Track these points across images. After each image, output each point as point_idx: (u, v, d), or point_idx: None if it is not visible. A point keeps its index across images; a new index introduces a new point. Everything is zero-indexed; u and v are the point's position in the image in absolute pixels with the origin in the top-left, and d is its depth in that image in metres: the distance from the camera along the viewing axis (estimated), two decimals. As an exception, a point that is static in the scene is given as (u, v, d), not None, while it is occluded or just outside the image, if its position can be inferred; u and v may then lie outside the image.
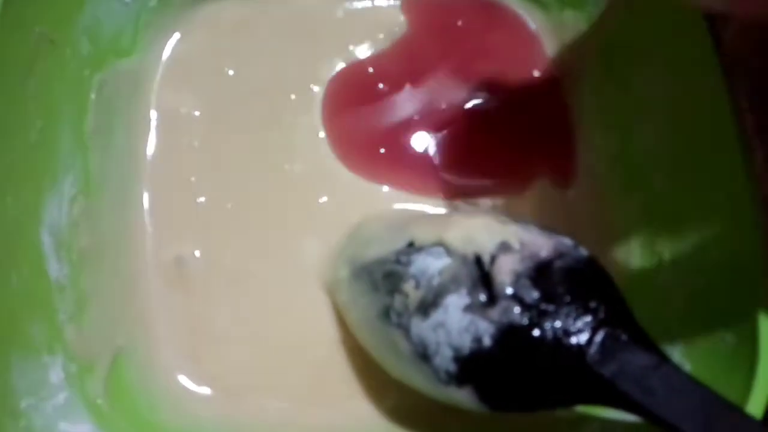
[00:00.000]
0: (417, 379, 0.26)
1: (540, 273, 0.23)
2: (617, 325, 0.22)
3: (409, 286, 0.26)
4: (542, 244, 0.24)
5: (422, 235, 0.27)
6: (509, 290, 0.23)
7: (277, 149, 0.33)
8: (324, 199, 0.33)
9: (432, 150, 0.33)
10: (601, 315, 0.22)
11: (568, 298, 0.23)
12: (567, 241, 0.25)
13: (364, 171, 0.33)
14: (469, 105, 0.34)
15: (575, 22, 0.33)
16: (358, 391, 0.30)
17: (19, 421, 0.22)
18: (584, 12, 0.33)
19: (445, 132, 0.34)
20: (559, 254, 0.24)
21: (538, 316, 0.23)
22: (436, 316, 0.24)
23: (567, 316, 0.22)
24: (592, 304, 0.23)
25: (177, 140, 0.33)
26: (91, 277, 0.28)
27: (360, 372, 0.30)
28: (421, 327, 0.25)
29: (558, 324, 0.22)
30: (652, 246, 0.29)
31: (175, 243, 0.31)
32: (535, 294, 0.23)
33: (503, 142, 0.34)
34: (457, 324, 0.24)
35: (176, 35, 0.33)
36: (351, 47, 0.34)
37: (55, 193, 0.26)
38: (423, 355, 0.24)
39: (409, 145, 0.33)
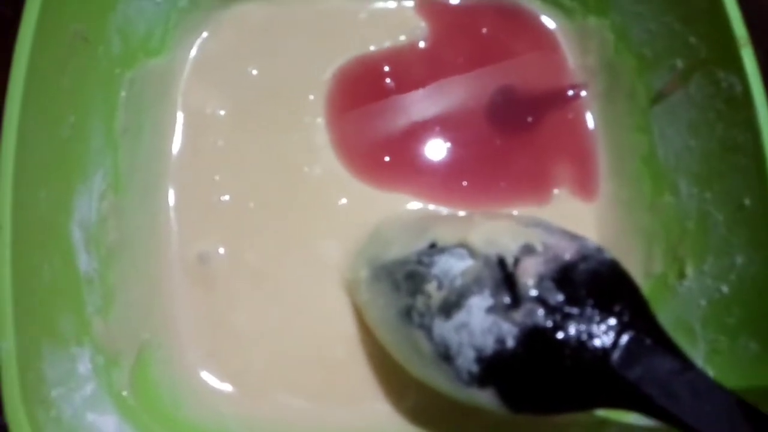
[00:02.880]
0: (438, 379, 0.26)
1: (564, 276, 0.23)
2: (641, 329, 0.22)
3: (431, 287, 0.26)
4: (566, 247, 0.24)
5: (444, 236, 0.27)
6: (533, 292, 0.23)
7: (297, 150, 0.33)
8: (343, 201, 0.33)
9: (444, 159, 0.34)
10: (626, 318, 0.22)
11: (592, 302, 0.23)
12: (591, 245, 0.25)
13: (368, 178, 0.33)
14: (486, 111, 0.34)
15: (599, 29, 0.33)
16: (377, 391, 0.30)
17: (49, 410, 0.23)
18: (608, 19, 0.33)
19: (459, 139, 0.34)
20: (583, 257, 0.24)
21: (562, 319, 0.23)
22: (459, 317, 0.24)
23: (591, 319, 0.22)
24: (617, 308, 0.23)
25: (202, 139, 0.33)
26: (118, 271, 0.28)
27: (379, 372, 0.31)
28: (443, 327, 0.25)
29: (582, 327, 0.22)
30: (674, 252, 0.29)
31: (199, 240, 0.32)
32: (559, 296, 0.23)
33: (522, 150, 0.34)
34: (480, 325, 0.24)
35: (204, 35, 0.34)
36: (373, 48, 0.35)
37: (85, 188, 0.27)
38: (445, 355, 0.25)
39: (419, 153, 0.34)
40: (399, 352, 0.28)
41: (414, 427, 0.30)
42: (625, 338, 0.22)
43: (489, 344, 0.23)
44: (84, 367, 0.25)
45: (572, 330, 0.22)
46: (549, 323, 0.23)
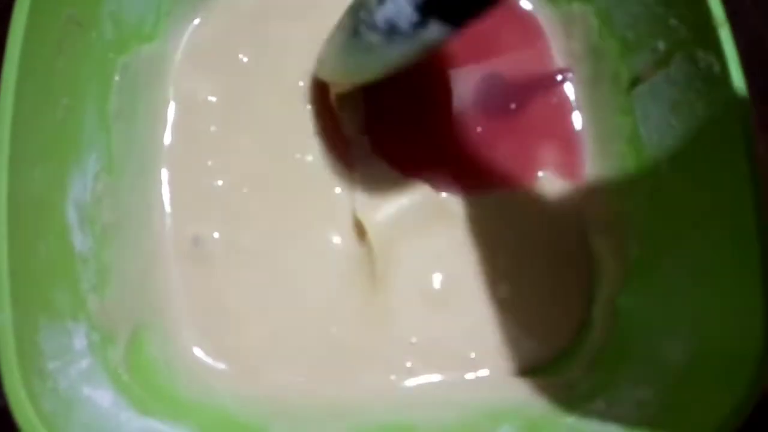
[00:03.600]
0: (392, 56, 0.28)
1: None
2: None
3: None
4: None
5: None
6: None
7: (289, 137, 0.34)
8: (337, 189, 0.33)
9: (429, 145, 0.34)
10: None
11: None
12: None
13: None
14: (471, 99, 0.35)
15: (583, 15, 0.34)
16: (371, 368, 0.31)
17: (46, 381, 0.23)
18: (592, 4, 0.33)
19: (444, 126, 0.34)
20: None
21: None
22: None
23: None
24: None
25: (195, 125, 0.34)
26: (113, 251, 0.28)
27: (373, 350, 0.31)
28: (382, 11, 0.27)
29: None
30: (655, 231, 0.29)
31: (193, 223, 0.32)
32: None
33: (507, 135, 0.35)
34: None
35: (196, 21, 0.34)
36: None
37: (79, 169, 0.27)
38: (390, 30, 0.26)
39: (403, 139, 0.34)
40: (357, 67, 0.30)
41: (409, 404, 0.30)
42: None
43: None
44: (80, 342, 0.25)
45: None
46: None
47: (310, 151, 0.34)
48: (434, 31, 0.26)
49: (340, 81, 0.33)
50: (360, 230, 0.33)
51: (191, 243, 0.32)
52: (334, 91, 0.34)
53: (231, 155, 0.33)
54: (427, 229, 0.33)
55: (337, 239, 0.33)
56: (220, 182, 0.33)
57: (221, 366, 0.30)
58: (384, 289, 0.32)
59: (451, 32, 0.26)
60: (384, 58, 0.28)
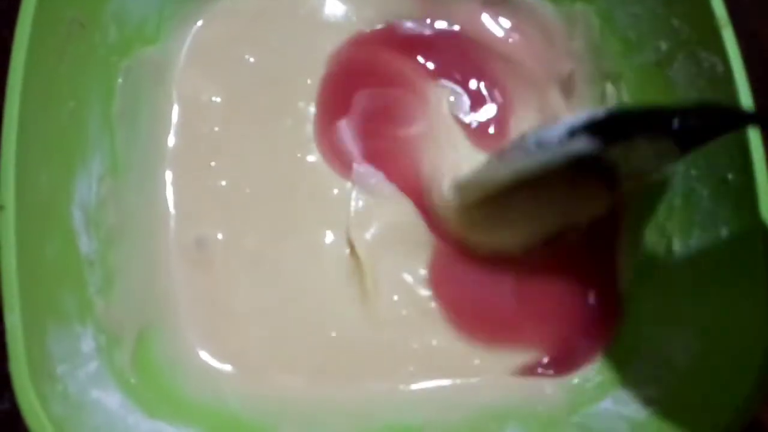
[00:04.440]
0: (535, 163, 0.28)
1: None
2: None
3: None
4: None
5: None
6: None
7: (292, 138, 0.34)
8: (335, 190, 0.33)
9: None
10: None
11: None
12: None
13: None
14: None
15: (585, 14, 0.34)
16: (374, 370, 0.31)
17: (56, 385, 0.23)
18: (593, 4, 0.34)
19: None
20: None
21: None
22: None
23: None
24: None
25: (198, 126, 0.34)
26: (119, 253, 0.28)
27: (376, 352, 0.31)
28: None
29: None
30: (662, 228, 0.30)
31: (197, 225, 0.32)
32: None
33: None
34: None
35: (199, 23, 0.34)
36: (368, 32, 0.35)
37: (84, 172, 0.27)
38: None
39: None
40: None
41: (415, 405, 0.30)
42: None
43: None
44: (87, 345, 0.25)
45: None
46: None
47: (313, 153, 0.34)
48: (580, 141, 0.26)
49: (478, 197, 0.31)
50: (351, 247, 0.32)
51: (194, 245, 0.32)
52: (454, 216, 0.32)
53: (234, 156, 0.34)
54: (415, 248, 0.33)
55: (340, 240, 0.33)
56: (223, 182, 0.33)
57: (227, 368, 0.30)
58: (375, 304, 0.32)
59: (594, 145, 0.26)
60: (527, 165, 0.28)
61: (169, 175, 0.33)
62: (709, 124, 0.25)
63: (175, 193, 0.33)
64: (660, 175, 0.29)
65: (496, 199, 0.30)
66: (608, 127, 0.26)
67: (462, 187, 0.31)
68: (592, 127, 0.26)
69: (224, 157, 0.33)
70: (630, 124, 0.26)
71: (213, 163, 0.33)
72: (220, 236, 0.32)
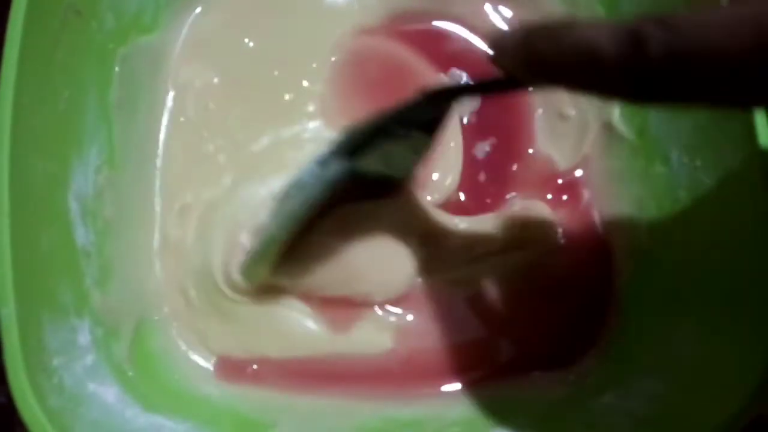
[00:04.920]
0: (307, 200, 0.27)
1: None
2: None
3: None
4: None
5: None
6: None
7: (291, 117, 0.33)
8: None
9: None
10: None
11: None
12: None
13: None
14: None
15: (589, 3, 0.34)
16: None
17: (51, 378, 0.23)
18: (599, -7, 0.33)
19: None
20: None
21: None
22: None
23: None
24: None
25: (195, 114, 0.33)
26: (115, 246, 0.28)
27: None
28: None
29: None
30: (665, 222, 0.29)
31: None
32: None
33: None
34: None
35: (197, 10, 0.34)
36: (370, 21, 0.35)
37: (81, 161, 0.27)
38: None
39: None
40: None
41: (413, 400, 0.30)
42: None
43: None
44: (84, 338, 0.25)
45: None
46: None
47: (310, 132, 0.33)
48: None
49: None
50: None
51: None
52: None
53: (231, 141, 0.33)
54: None
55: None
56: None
57: (211, 365, 0.30)
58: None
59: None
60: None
61: (166, 165, 0.32)
62: (430, 106, 0.25)
63: (172, 182, 0.32)
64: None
65: (298, 246, 0.29)
66: (349, 145, 0.26)
67: (248, 266, 0.30)
68: (338, 151, 0.27)
69: (222, 143, 0.33)
70: (366, 136, 0.26)
71: (211, 149, 0.33)
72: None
